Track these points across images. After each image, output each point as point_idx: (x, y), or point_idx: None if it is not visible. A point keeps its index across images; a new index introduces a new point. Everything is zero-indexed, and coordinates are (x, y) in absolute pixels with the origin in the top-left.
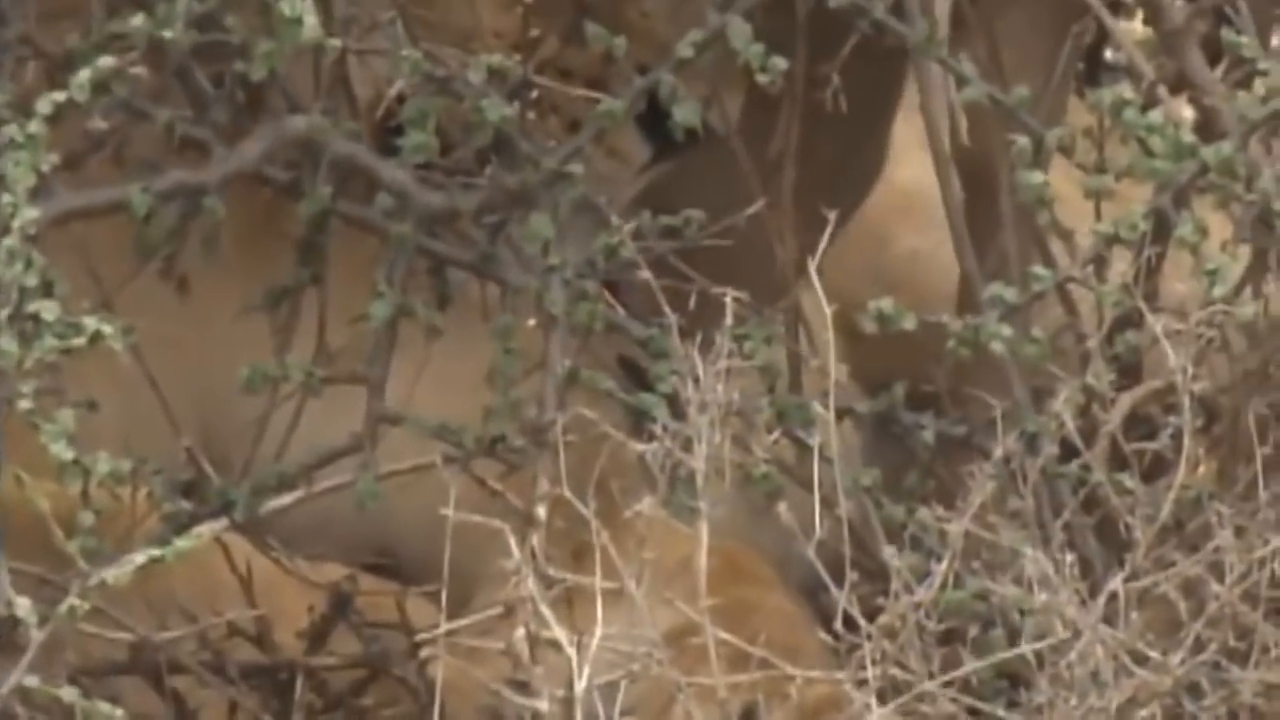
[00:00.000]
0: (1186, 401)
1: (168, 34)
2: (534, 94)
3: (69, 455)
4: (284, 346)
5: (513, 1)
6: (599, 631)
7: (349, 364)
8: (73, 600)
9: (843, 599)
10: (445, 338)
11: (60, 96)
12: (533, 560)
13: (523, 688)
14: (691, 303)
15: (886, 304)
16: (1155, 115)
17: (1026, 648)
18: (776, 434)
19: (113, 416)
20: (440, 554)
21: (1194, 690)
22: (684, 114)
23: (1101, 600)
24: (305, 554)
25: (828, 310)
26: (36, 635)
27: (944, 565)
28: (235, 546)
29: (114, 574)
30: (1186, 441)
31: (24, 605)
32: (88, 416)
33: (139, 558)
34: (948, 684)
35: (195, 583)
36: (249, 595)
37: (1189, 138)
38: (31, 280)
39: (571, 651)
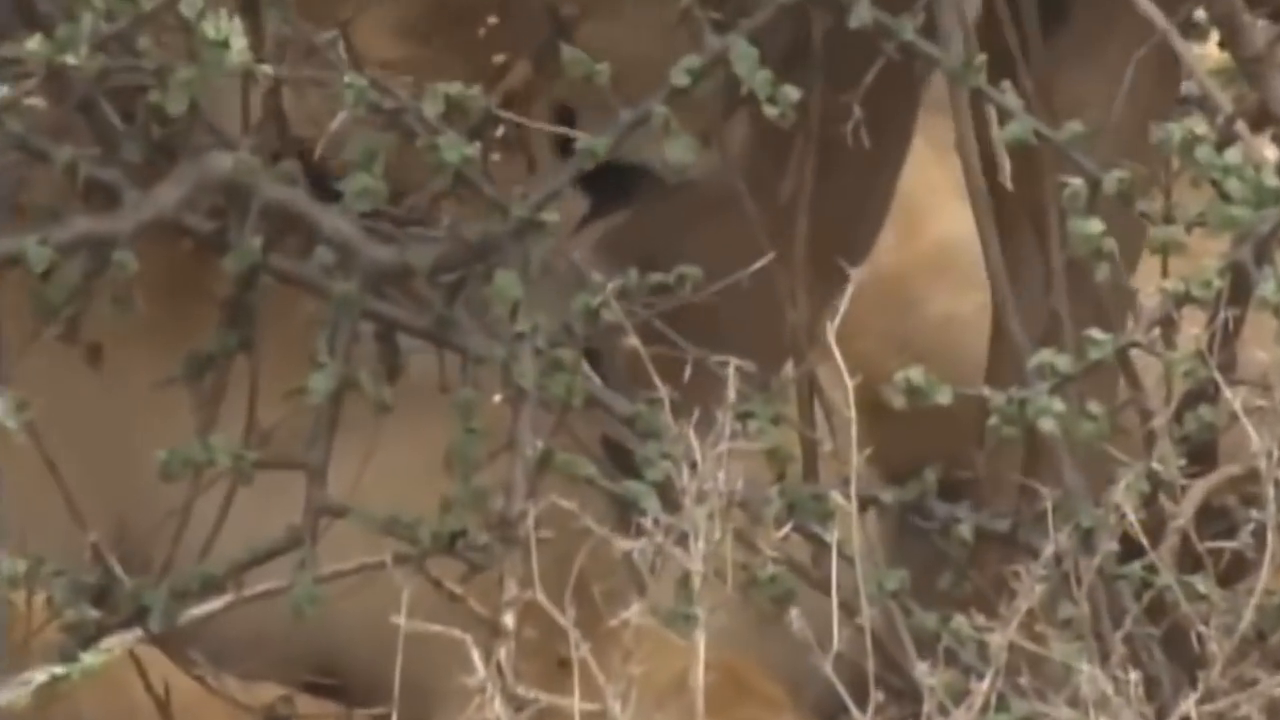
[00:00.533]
0: (1270, 491)
1: (70, 59)
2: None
3: None
4: (209, 425)
5: (410, 31)
6: None
7: (285, 446)
8: None
9: None
10: (396, 415)
11: None
12: (500, 677)
13: None
14: (686, 374)
15: (916, 374)
16: (1232, 154)
17: None
18: (787, 528)
19: (6, 508)
20: (391, 670)
21: None
22: (677, 152)
23: None
24: (234, 671)
25: (849, 383)
26: None
27: (985, 683)
28: (151, 662)
29: (9, 696)
30: (1270, 538)
31: None
32: None
33: (38, 676)
34: None
35: (105, 705)
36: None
37: (1272, 181)
38: None
39: None
